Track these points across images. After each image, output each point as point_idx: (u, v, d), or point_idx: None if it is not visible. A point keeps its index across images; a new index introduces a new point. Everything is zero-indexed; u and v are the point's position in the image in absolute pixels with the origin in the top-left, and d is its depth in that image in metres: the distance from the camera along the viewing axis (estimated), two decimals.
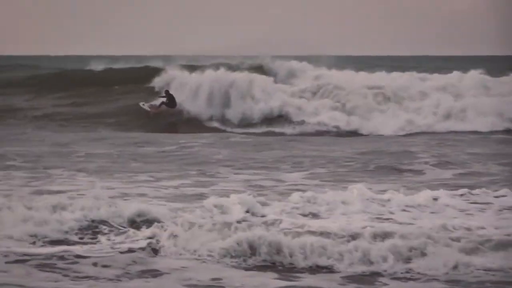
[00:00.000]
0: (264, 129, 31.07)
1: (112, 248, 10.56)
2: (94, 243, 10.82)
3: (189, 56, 39.97)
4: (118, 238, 10.98)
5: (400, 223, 11.56)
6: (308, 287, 9.33)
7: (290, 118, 32.13)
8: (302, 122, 31.59)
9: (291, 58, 37.58)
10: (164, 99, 32.42)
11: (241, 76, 34.23)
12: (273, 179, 16.47)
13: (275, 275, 9.72)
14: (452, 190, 14.02)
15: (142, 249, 10.49)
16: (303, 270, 9.89)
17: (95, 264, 9.92)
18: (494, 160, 19.26)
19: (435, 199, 13.08)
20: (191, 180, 16.14)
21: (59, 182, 15.67)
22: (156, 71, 35.86)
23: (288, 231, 10.81)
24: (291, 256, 10.10)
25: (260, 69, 36.50)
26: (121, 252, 10.37)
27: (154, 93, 34.10)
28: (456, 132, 28.92)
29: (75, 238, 11.05)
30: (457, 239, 10.26)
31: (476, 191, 13.84)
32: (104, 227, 11.43)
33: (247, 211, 11.99)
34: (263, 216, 11.89)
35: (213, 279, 9.48)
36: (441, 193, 13.42)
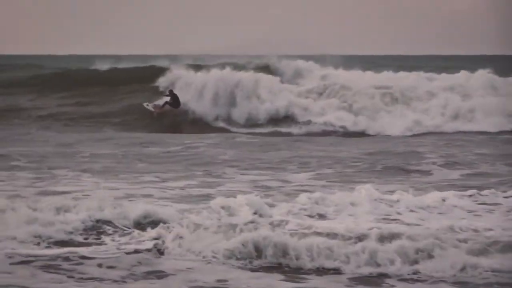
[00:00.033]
0: (270, 129, 31.01)
1: (118, 249, 10.51)
2: (99, 244, 10.75)
3: (194, 56, 39.94)
4: (123, 239, 10.92)
5: (408, 224, 11.48)
6: None
7: (296, 118, 32.05)
8: (309, 122, 31.53)
9: (297, 58, 37.48)
10: (167, 99, 32.35)
11: (247, 76, 34.14)
12: (280, 179, 16.40)
13: (282, 276, 9.67)
14: (460, 190, 13.94)
15: (148, 250, 10.44)
16: (309, 272, 9.83)
17: (100, 265, 9.88)
18: (502, 160, 19.17)
19: (444, 200, 12.99)
20: (197, 181, 16.07)
21: (64, 182, 15.62)
22: (161, 71, 35.78)
23: (294, 232, 10.73)
24: (297, 259, 10.01)
25: (266, 68, 36.41)
26: (127, 253, 10.31)
27: (158, 93, 34.04)
28: (464, 133, 28.82)
29: (80, 239, 11.00)
30: (465, 241, 10.19)
31: (485, 192, 13.76)
32: (109, 227, 11.37)
33: (255, 213, 11.89)
34: (270, 217, 11.81)
35: (219, 281, 9.42)
36: (450, 194, 13.33)
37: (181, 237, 10.64)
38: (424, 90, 33.21)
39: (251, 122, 32.09)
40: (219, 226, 10.90)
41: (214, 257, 10.19)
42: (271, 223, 11.31)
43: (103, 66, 39.53)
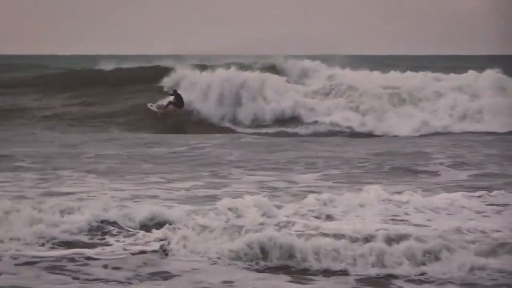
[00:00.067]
0: (276, 129, 30.93)
1: (124, 249, 10.46)
2: (104, 245, 10.69)
3: (200, 56, 39.88)
4: (128, 240, 10.85)
5: (417, 225, 11.40)
6: None
7: (302, 119, 31.96)
8: (315, 122, 31.44)
9: (304, 58, 37.37)
10: (171, 99, 32.27)
11: (252, 76, 34.05)
12: (286, 180, 16.31)
13: (288, 277, 9.62)
14: (468, 191, 13.86)
15: (155, 251, 10.37)
16: (316, 273, 9.76)
17: (105, 266, 9.84)
18: (511, 161, 19.09)
19: (453, 201, 12.89)
20: (203, 182, 15.99)
21: (69, 183, 15.55)
22: (166, 71, 35.74)
23: (301, 233, 10.64)
24: (303, 261, 9.94)
25: (273, 68, 36.32)
26: (133, 254, 10.26)
27: (163, 93, 33.98)
28: (472, 133, 28.71)
29: (85, 239, 10.94)
30: (473, 242, 10.14)
31: (494, 192, 13.66)
32: (114, 228, 11.30)
33: (263, 214, 11.79)
34: (277, 218, 11.72)
35: (225, 282, 9.37)
36: (458, 195, 13.25)
37: (186, 238, 10.57)
38: (431, 90, 33.10)
39: (257, 123, 32.01)
40: (224, 227, 10.82)
41: (219, 258, 10.13)
42: (277, 224, 11.23)
43: (108, 66, 39.51)
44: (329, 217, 11.99)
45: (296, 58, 37.40)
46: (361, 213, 12.14)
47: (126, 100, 35.00)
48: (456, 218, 11.96)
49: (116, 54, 62.03)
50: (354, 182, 16.02)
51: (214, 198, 13.57)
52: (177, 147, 22.39)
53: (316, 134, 29.69)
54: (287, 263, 9.99)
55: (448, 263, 9.68)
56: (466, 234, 10.65)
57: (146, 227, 11.31)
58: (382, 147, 22.58)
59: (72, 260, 10.03)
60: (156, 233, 10.91)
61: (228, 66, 34.87)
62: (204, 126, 31.21)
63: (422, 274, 9.59)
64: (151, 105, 32.65)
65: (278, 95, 33.17)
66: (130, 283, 9.30)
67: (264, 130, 30.52)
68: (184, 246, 10.45)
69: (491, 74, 33.75)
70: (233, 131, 30.17)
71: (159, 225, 11.25)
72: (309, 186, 15.48)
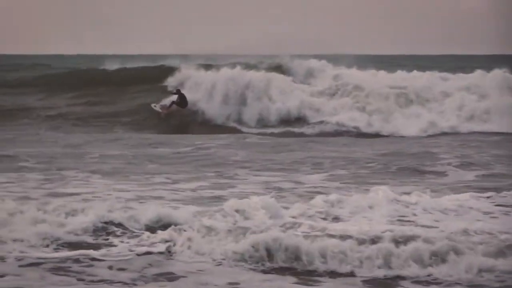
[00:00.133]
0: (282, 129, 30.85)
1: (129, 250, 10.41)
2: (109, 246, 10.63)
3: (205, 55, 39.82)
4: (133, 241, 10.80)
5: (425, 226, 11.32)
6: None
7: (308, 119, 31.87)
8: (321, 122, 31.34)
9: (310, 57, 37.27)
10: (174, 98, 32.19)
11: (258, 76, 33.96)
12: (292, 180, 16.23)
13: (294, 279, 9.56)
14: (476, 192, 13.80)
15: (160, 252, 10.31)
16: (323, 274, 9.69)
17: (110, 268, 9.79)
18: None
19: (462, 202, 12.81)
20: (208, 182, 15.91)
21: (73, 184, 15.48)
22: (171, 70, 35.67)
23: (307, 234, 10.56)
24: (310, 264, 9.86)
25: (279, 68, 36.23)
26: (138, 255, 10.21)
27: (167, 93, 33.91)
28: (479, 133, 28.63)
29: (90, 240, 10.89)
30: (480, 243, 10.06)
31: (503, 193, 13.59)
32: (118, 229, 11.24)
33: (270, 216, 11.70)
34: (284, 219, 11.64)
35: (230, 283, 9.32)
36: (467, 195, 13.17)
37: (192, 240, 10.50)
38: (438, 90, 32.99)
39: (262, 123, 31.93)
40: (229, 229, 10.74)
41: (224, 259, 10.07)
42: (283, 225, 11.15)
43: (112, 66, 39.49)
44: (336, 218, 11.92)
45: (302, 58, 37.30)
46: (369, 214, 12.07)
47: (130, 100, 34.95)
48: (464, 219, 11.89)
49: (121, 54, 62.07)
50: (361, 182, 15.94)
51: (220, 199, 13.51)
52: (182, 147, 22.33)
53: (322, 134, 29.60)
54: (293, 265, 9.91)
55: (456, 264, 9.61)
56: (473, 235, 10.57)
57: (151, 228, 11.26)
58: (389, 148, 22.51)
59: (77, 261, 9.98)
60: (161, 234, 10.85)
61: (233, 65, 34.81)
62: (209, 126, 31.15)
63: (429, 275, 9.52)
64: (154, 106, 32.59)
65: (284, 95, 33.09)
66: (135, 284, 9.25)
67: (269, 130, 30.45)
68: (189, 248, 10.39)
69: (499, 74, 33.57)
70: (239, 131, 30.08)
71: (164, 226, 11.19)
72: (315, 187, 15.41)
